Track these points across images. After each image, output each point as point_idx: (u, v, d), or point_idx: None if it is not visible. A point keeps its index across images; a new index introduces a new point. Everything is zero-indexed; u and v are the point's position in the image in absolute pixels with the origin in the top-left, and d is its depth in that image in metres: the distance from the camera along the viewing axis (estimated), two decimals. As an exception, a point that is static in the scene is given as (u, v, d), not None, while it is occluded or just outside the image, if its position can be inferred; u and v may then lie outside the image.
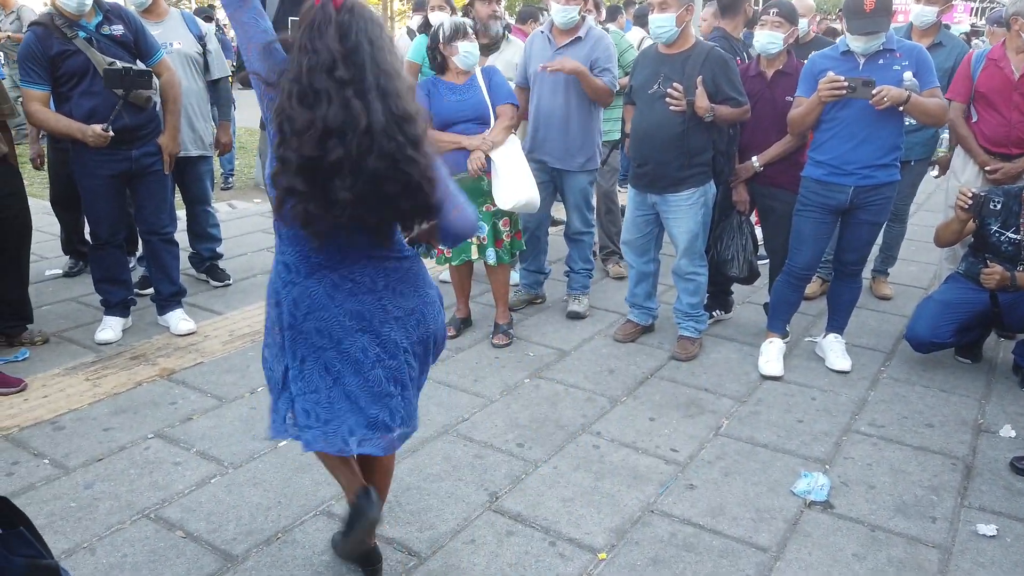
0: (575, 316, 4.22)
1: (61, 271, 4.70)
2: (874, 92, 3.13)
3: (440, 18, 5.07)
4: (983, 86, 3.78)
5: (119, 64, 3.45)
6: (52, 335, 3.81)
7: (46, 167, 4.53)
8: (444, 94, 3.67)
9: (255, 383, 3.40)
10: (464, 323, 4.05)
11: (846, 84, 3.15)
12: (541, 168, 4.01)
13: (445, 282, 4.58)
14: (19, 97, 4.13)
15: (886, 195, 3.41)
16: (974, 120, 3.87)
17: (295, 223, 1.74)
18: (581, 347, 3.87)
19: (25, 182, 3.77)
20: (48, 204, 4.73)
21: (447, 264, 3.96)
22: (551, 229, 4.63)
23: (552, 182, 4.16)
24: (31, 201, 3.79)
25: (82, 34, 3.45)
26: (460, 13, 5.34)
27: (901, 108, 3.21)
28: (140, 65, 3.57)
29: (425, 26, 5.21)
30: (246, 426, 3.04)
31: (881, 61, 3.29)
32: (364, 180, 1.67)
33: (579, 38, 3.93)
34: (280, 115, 1.67)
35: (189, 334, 3.87)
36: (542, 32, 4.09)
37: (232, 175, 7.34)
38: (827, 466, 2.83)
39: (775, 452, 2.92)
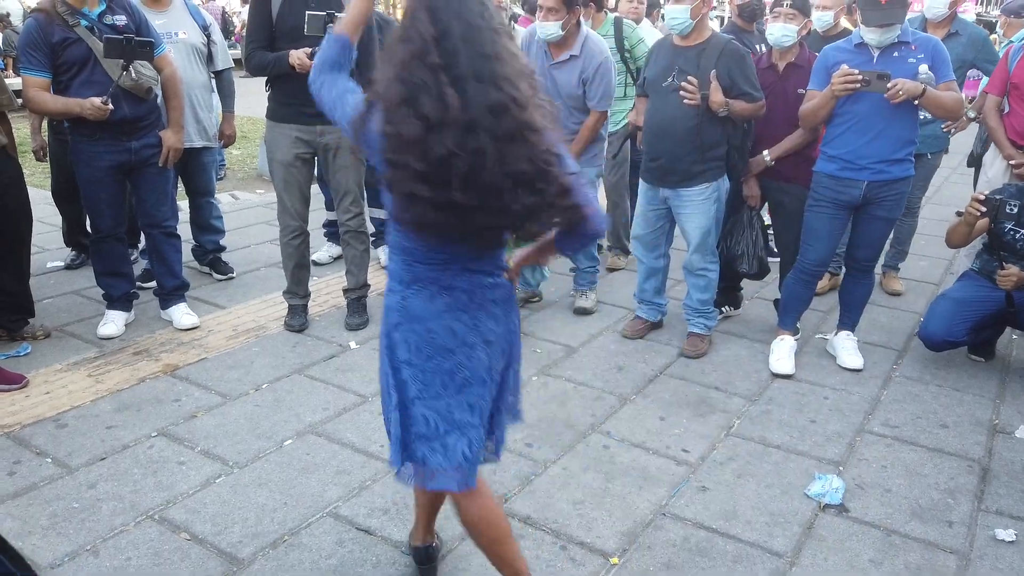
0: (583, 312, 4.17)
1: (63, 263, 4.65)
2: (889, 85, 3.06)
3: None
4: (1016, 77, 3.71)
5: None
6: (54, 329, 3.77)
7: (48, 158, 4.47)
8: None
9: (259, 379, 3.36)
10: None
11: (860, 77, 3.09)
12: None
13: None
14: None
15: (900, 190, 3.35)
16: (1006, 112, 3.81)
17: (411, 229, 1.67)
18: (589, 343, 3.82)
19: (26, 172, 3.72)
20: (50, 195, 4.67)
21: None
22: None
23: None
24: (32, 192, 3.74)
25: (84, 22, 3.38)
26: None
27: (916, 102, 3.14)
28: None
29: None
30: (251, 424, 3.00)
31: (896, 54, 3.23)
32: (473, 179, 1.53)
33: (574, 56, 3.77)
34: (386, 119, 1.57)
35: (192, 329, 3.82)
36: (539, 39, 3.94)
37: (224, 166, 7.23)
38: (841, 468, 2.79)
39: (788, 453, 2.88)
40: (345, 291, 4.02)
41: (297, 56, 3.40)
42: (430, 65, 1.51)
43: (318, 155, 3.76)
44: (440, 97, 1.50)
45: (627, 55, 4.54)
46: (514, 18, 4.94)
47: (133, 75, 3.41)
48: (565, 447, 2.89)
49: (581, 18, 3.90)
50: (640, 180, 3.78)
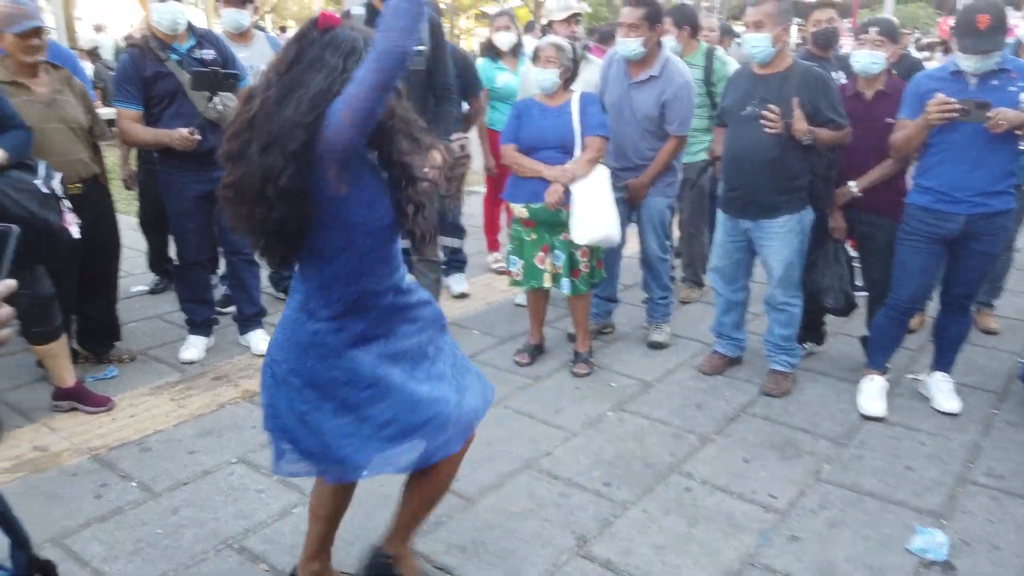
0: (657, 346, 4.07)
1: (147, 288, 4.80)
2: (990, 115, 2.91)
3: (505, 39, 5.05)
4: None
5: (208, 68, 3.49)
6: (139, 353, 3.87)
7: (137, 188, 4.64)
8: (535, 117, 3.61)
9: (334, 408, 3.37)
10: (537, 350, 3.95)
11: (958, 107, 2.95)
12: (615, 186, 3.83)
13: (521, 305, 4.52)
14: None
15: (1001, 224, 3.18)
16: None
17: None
18: (665, 379, 3.72)
19: (114, 200, 3.85)
20: (135, 220, 4.84)
21: (519, 287, 3.88)
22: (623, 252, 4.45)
23: (627, 203, 4.01)
24: (119, 217, 3.86)
25: (174, 57, 3.51)
26: (540, 33, 5.26)
27: (1019, 132, 2.99)
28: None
29: (489, 48, 5.17)
30: (327, 453, 3.00)
31: (995, 82, 3.07)
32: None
33: (653, 77, 3.75)
34: None
35: (269, 355, 3.87)
36: (618, 58, 3.93)
37: None
38: (943, 521, 2.61)
39: (884, 502, 2.72)
40: (417, 320, 4.02)
41: None
42: (269, 79, 1.69)
43: None
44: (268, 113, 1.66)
45: (712, 89, 4.45)
46: (587, 47, 4.92)
47: (219, 107, 3.51)
48: (644, 488, 2.80)
49: (664, 40, 3.86)
50: (719, 211, 3.69)
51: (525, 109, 3.66)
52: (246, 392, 3.50)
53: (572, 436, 3.16)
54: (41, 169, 3.02)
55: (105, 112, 5.45)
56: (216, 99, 3.49)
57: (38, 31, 3.18)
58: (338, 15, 1.73)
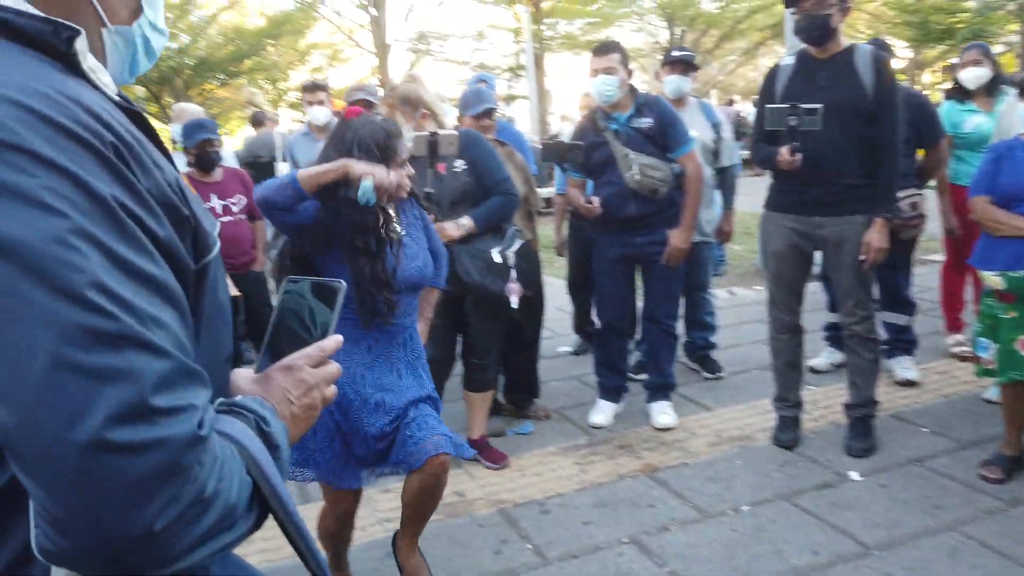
0: None
1: (571, 349, 5.03)
2: None
3: (974, 75, 4.15)
4: None
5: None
6: (553, 411, 4.00)
7: (567, 252, 4.94)
8: (1021, 161, 2.84)
9: (740, 499, 2.99)
10: (1014, 463, 3.02)
11: None
12: None
13: (991, 402, 3.56)
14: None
15: None
16: None
17: None
18: None
19: (549, 263, 4.10)
20: (565, 284, 5.13)
21: (990, 378, 3.02)
22: None
23: None
24: (551, 280, 4.09)
25: (612, 126, 3.59)
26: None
27: None
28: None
29: (956, 89, 4.33)
30: (727, 552, 2.64)
31: None
32: None
33: None
34: None
35: (668, 429, 3.67)
36: None
37: (723, 262, 7.10)
38: None
39: None
40: (846, 406, 3.43)
41: (780, 154, 3.13)
42: None
43: (819, 249, 3.34)
44: None
45: None
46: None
47: (636, 177, 3.48)
48: None
49: None
50: None
51: (1007, 151, 2.90)
52: (647, 466, 3.32)
53: (1069, 597, 2.26)
54: (507, 235, 3.29)
55: (545, 191, 6.03)
56: (635, 168, 3.48)
57: (488, 113, 3.57)
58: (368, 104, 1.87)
